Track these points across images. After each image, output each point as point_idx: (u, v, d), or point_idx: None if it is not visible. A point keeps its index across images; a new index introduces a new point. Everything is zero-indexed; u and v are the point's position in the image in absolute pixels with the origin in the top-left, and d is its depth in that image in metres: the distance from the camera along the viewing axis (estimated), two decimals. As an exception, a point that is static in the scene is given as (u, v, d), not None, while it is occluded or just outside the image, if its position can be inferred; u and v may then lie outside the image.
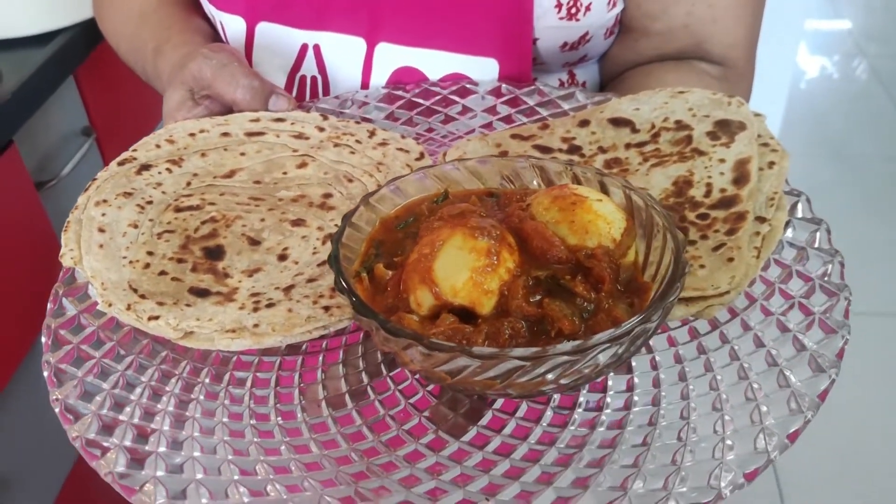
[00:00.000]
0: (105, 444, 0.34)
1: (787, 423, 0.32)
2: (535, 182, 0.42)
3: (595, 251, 0.35)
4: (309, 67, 0.61)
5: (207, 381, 0.38)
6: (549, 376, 0.31)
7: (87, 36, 1.16)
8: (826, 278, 0.38)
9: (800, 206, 0.43)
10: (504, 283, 0.34)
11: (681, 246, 0.34)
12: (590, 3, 0.56)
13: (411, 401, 0.36)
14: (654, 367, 0.36)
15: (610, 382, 0.36)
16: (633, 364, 0.36)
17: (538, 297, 0.34)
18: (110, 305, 0.39)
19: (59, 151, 1.16)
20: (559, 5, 0.55)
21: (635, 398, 0.35)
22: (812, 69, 3.33)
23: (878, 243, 2.32)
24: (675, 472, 0.31)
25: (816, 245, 0.40)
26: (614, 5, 0.58)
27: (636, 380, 0.36)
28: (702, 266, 0.39)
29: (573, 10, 0.56)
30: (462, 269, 0.33)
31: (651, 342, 0.36)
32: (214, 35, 0.66)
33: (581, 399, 0.35)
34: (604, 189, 0.39)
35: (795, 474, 1.49)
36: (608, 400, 0.35)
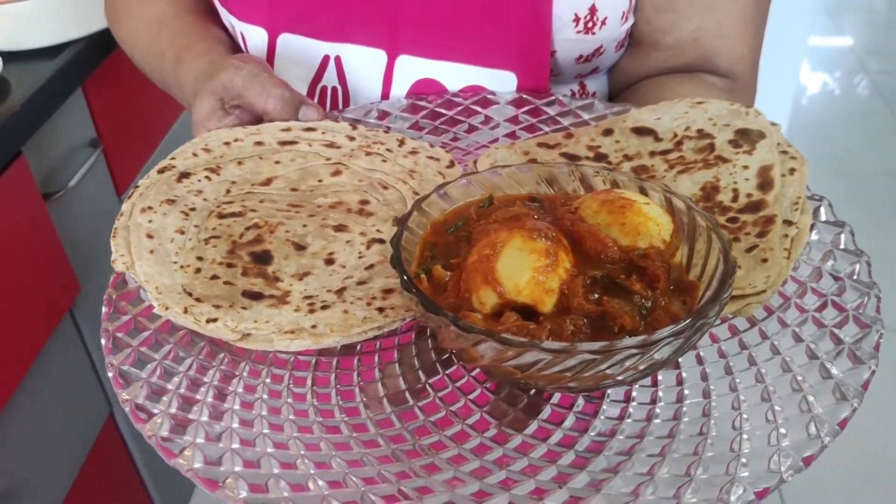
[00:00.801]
0: (180, 441, 0.35)
1: (835, 412, 0.34)
2: (572, 187, 0.44)
3: (648, 251, 0.37)
4: (330, 78, 0.62)
5: (268, 380, 0.39)
6: (612, 370, 0.33)
7: (95, 48, 1.18)
8: (855, 277, 0.41)
9: (822, 210, 0.45)
10: (563, 282, 0.35)
11: (728, 246, 0.36)
12: (605, 18, 0.58)
13: (470, 397, 0.38)
14: (700, 362, 0.38)
15: (660, 377, 0.38)
16: (680, 361, 0.38)
17: (597, 296, 0.36)
18: (167, 309, 0.40)
19: (67, 162, 1.17)
20: (577, 19, 0.58)
21: (686, 391, 0.37)
22: (814, 85, 3.41)
23: (882, 258, 2.37)
24: (734, 458, 0.32)
25: (842, 246, 0.43)
26: (626, 20, 0.60)
27: (684, 374, 0.38)
28: (739, 267, 0.41)
29: (590, 25, 0.58)
30: (524, 269, 0.35)
31: (702, 341, 0.38)
32: (233, 45, 0.67)
33: (634, 394, 0.37)
34: (644, 193, 0.41)
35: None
36: (660, 394, 0.37)
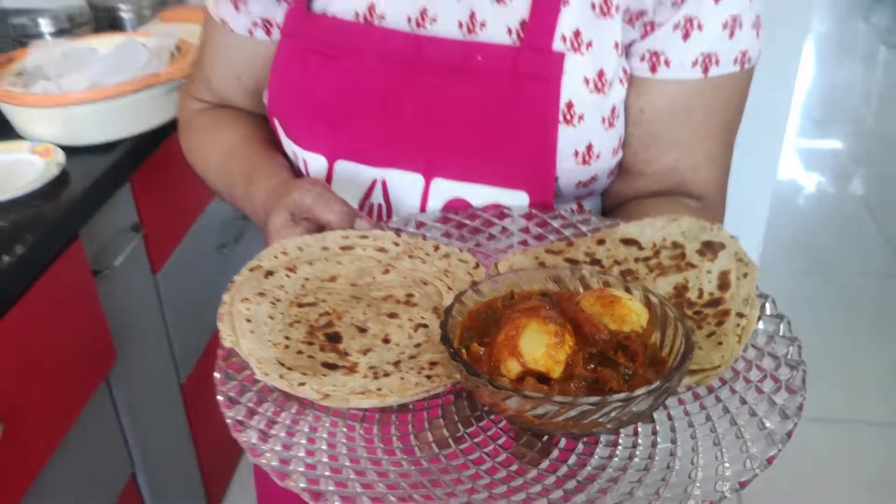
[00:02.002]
0: (285, 472, 0.47)
1: (765, 452, 0.46)
2: (574, 286, 0.57)
3: (630, 334, 0.50)
4: (377, 197, 0.77)
5: (345, 429, 0.51)
6: (603, 419, 0.46)
7: (143, 146, 1.36)
8: (788, 357, 0.54)
9: (767, 305, 0.59)
10: (568, 356, 0.49)
11: (689, 332, 0.50)
12: (599, 153, 0.73)
13: (499, 442, 0.50)
14: (670, 418, 0.51)
15: (640, 429, 0.50)
16: (655, 416, 0.51)
17: (592, 366, 0.49)
18: (266, 375, 0.53)
19: (113, 244, 1.32)
20: (576, 154, 0.72)
21: (658, 438, 0.49)
22: (801, 188, 3.57)
23: (856, 355, 2.51)
24: (691, 482, 0.45)
25: (781, 334, 0.56)
26: (617, 154, 0.75)
27: (658, 427, 0.50)
28: (700, 348, 0.54)
29: (587, 158, 0.73)
30: (540, 346, 0.48)
31: (667, 402, 0.51)
32: (293, 168, 0.82)
33: (619, 441, 0.50)
34: (628, 291, 0.55)
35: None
36: (639, 441, 0.50)
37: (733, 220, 2.31)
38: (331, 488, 0.46)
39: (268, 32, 0.83)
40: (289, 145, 0.80)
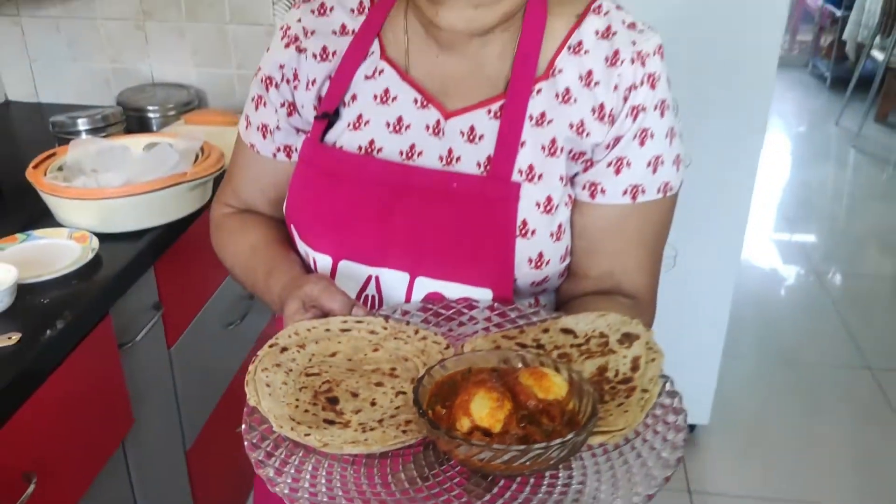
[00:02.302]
0: (294, 499, 0.64)
1: (647, 490, 0.63)
2: (517, 364, 0.75)
3: (552, 402, 0.67)
4: (371, 290, 0.95)
5: (339, 469, 0.68)
6: (529, 463, 0.63)
7: (168, 234, 1.55)
8: (676, 423, 0.71)
9: (668, 384, 0.76)
10: (506, 416, 0.66)
11: (597, 402, 0.67)
12: (549, 259, 0.91)
13: (454, 482, 0.67)
14: (584, 465, 0.68)
15: (560, 473, 0.67)
16: (573, 464, 0.68)
17: (524, 424, 0.66)
18: (281, 427, 0.70)
19: (136, 321, 1.48)
20: (530, 261, 0.90)
21: (573, 476, 0.66)
22: (769, 280, 3.75)
23: (817, 442, 2.65)
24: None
25: (673, 406, 0.73)
26: (564, 260, 0.93)
27: (574, 471, 0.67)
28: (611, 414, 0.71)
29: (538, 264, 0.91)
30: (485, 408, 0.66)
31: (584, 454, 0.68)
32: (304, 264, 1.00)
33: (544, 479, 0.67)
34: (557, 369, 0.72)
35: None
36: (558, 481, 0.66)
37: (698, 309, 2.49)
38: (328, 509, 0.62)
39: (288, 156, 1.02)
40: (301, 246, 0.99)
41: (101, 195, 1.44)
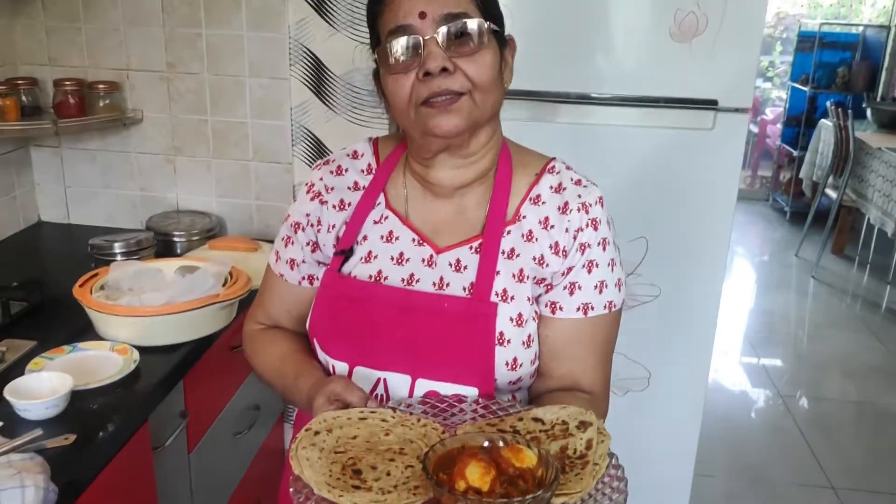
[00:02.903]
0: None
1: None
2: (500, 443, 0.98)
3: (526, 469, 0.90)
4: (380, 389, 1.17)
5: (365, 520, 0.90)
6: (509, 513, 0.86)
7: (200, 348, 1.71)
8: (619, 486, 0.94)
9: (614, 460, 0.99)
10: (492, 479, 0.89)
11: (558, 471, 0.90)
12: (521, 363, 1.15)
13: (452, 529, 0.89)
14: (549, 519, 0.90)
15: (532, 523, 0.89)
16: (541, 517, 0.90)
17: (505, 486, 0.89)
18: (320, 490, 0.92)
19: (165, 427, 1.66)
20: (507, 364, 1.14)
21: (541, 528, 0.89)
22: (736, 402, 3.91)
23: None
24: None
25: (617, 475, 0.96)
26: (533, 363, 1.17)
27: (542, 523, 0.90)
28: (570, 482, 0.94)
29: (513, 367, 1.14)
30: (476, 473, 0.88)
31: (548, 509, 0.91)
32: (325, 369, 1.23)
33: (520, 529, 0.89)
34: (529, 446, 0.95)
35: None
36: (531, 529, 0.89)
37: (670, 428, 2.68)
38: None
39: (310, 283, 1.28)
40: (322, 355, 1.22)
41: (145, 313, 1.63)
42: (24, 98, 2.24)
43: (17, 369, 1.56)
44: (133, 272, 1.81)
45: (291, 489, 0.93)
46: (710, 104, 2.16)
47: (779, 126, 7.36)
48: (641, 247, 2.30)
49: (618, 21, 2.15)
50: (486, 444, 0.98)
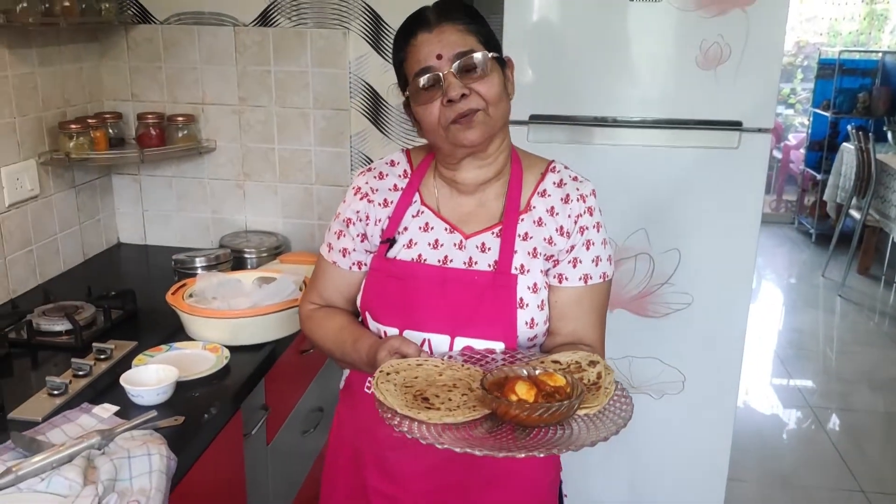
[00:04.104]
0: (403, 432, 1.12)
1: (609, 432, 1.12)
2: (536, 370, 1.24)
3: (558, 387, 1.17)
4: (425, 347, 1.41)
5: (434, 430, 1.16)
6: (548, 416, 1.12)
7: (278, 349, 1.90)
8: (625, 403, 1.20)
9: (619, 385, 1.25)
10: (535, 393, 1.15)
11: (582, 390, 1.17)
12: (537, 323, 1.39)
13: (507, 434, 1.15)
14: (573, 425, 1.16)
15: (563, 428, 1.15)
16: (569, 424, 1.16)
17: (544, 397, 1.15)
18: (402, 409, 1.19)
19: (250, 418, 1.82)
20: (526, 323, 1.38)
21: (568, 429, 1.14)
22: (767, 415, 4.02)
23: None
24: (578, 440, 1.10)
25: (623, 395, 1.22)
26: (546, 323, 1.42)
27: (568, 428, 1.15)
28: (589, 395, 1.20)
29: (531, 325, 1.39)
30: (523, 389, 1.15)
31: (576, 419, 1.16)
32: (376, 335, 1.40)
33: (556, 430, 1.15)
34: (559, 373, 1.22)
35: None
36: (561, 431, 1.14)
37: (704, 429, 2.76)
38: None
39: (359, 268, 1.49)
40: (373, 324, 1.45)
41: (234, 315, 1.84)
42: (110, 130, 2.44)
43: (124, 365, 1.73)
44: (216, 282, 2.01)
45: (380, 411, 1.19)
46: (734, 125, 2.27)
47: (802, 151, 7.50)
48: (674, 258, 2.41)
49: (649, 52, 2.28)
50: (524, 373, 1.24)
